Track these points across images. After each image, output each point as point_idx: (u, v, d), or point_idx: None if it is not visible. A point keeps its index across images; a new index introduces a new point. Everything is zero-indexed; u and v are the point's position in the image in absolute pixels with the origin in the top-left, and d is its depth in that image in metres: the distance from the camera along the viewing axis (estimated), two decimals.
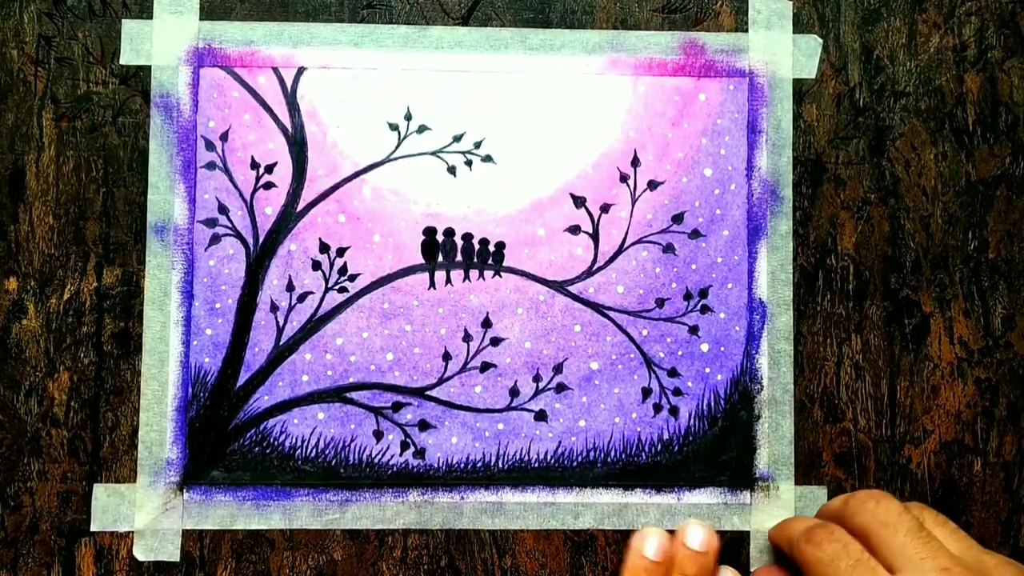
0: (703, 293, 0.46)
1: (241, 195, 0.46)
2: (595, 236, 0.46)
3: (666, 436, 0.46)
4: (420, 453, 0.45)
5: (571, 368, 0.46)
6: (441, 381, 0.45)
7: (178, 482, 0.45)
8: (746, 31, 0.47)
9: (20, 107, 0.45)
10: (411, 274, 0.46)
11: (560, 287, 0.46)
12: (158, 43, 0.46)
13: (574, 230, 0.46)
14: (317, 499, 0.45)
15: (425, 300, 0.46)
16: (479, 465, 0.45)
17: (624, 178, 0.46)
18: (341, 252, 0.46)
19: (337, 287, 0.46)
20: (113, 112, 0.45)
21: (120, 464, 0.45)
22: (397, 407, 0.45)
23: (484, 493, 0.45)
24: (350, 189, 0.46)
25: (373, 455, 0.45)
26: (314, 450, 0.45)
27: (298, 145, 0.46)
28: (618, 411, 0.46)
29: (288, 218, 0.46)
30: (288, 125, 0.46)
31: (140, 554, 0.44)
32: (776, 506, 0.45)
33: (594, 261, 0.46)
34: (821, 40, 0.47)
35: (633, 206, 0.46)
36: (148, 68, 0.46)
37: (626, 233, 0.46)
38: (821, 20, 0.47)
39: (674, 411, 0.46)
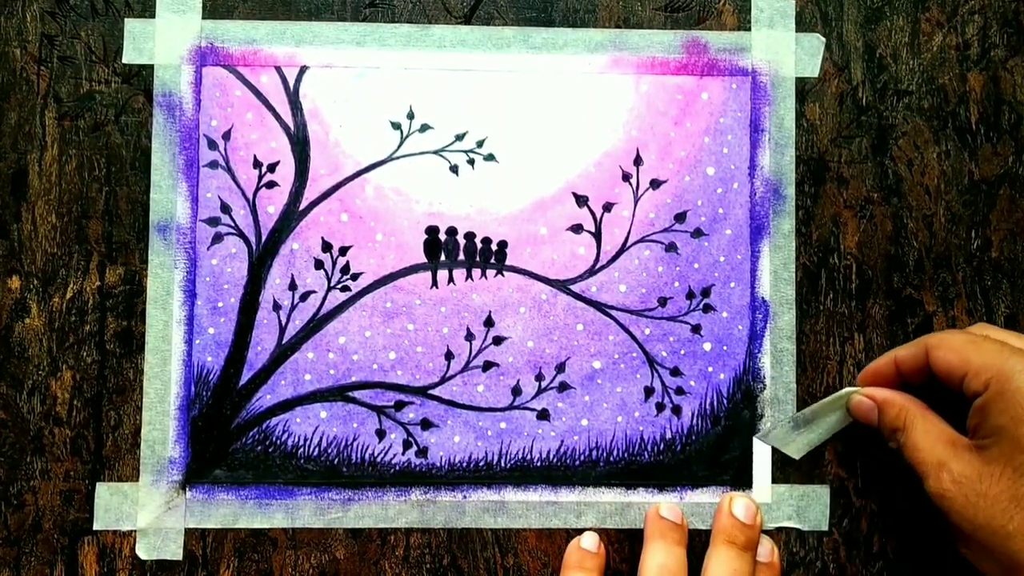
0: (705, 292, 0.46)
1: (243, 194, 0.46)
2: (597, 235, 0.46)
3: (668, 435, 0.46)
4: (422, 452, 0.45)
5: (573, 367, 0.46)
6: (443, 380, 0.45)
7: (180, 481, 0.45)
8: (749, 30, 0.47)
9: (23, 106, 0.45)
10: (413, 273, 0.46)
11: (562, 286, 0.46)
12: (160, 42, 0.46)
13: (576, 229, 0.46)
14: (319, 498, 0.45)
15: (427, 299, 0.46)
16: (481, 464, 0.45)
17: (626, 177, 0.46)
18: (343, 251, 0.46)
19: (339, 286, 0.46)
20: (116, 111, 0.45)
21: (123, 463, 0.45)
22: (400, 406, 0.45)
23: (486, 492, 0.45)
24: (352, 188, 0.46)
25: (375, 454, 0.45)
26: (316, 449, 0.45)
27: (300, 144, 0.46)
28: (620, 410, 0.46)
29: (290, 217, 0.46)
30: (290, 124, 0.46)
31: (143, 553, 0.44)
32: (778, 505, 0.45)
33: (596, 260, 0.46)
34: (824, 39, 0.47)
35: (635, 205, 0.46)
36: (151, 67, 0.46)
37: (628, 232, 0.46)
38: (824, 19, 0.47)
39: (677, 410, 0.46)
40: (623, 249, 0.46)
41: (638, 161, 0.46)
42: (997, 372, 0.37)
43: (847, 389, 0.43)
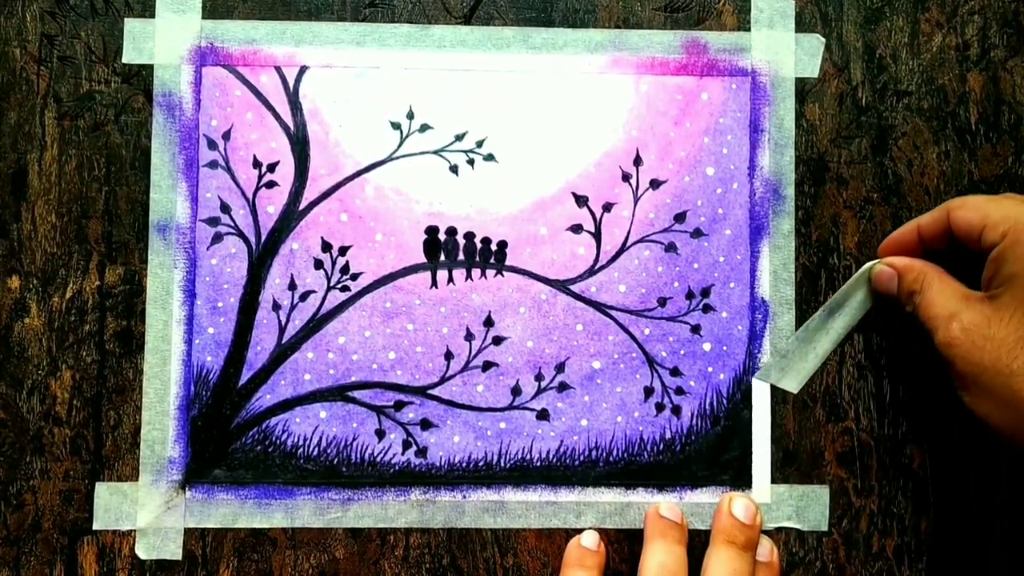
0: (705, 292, 0.46)
1: (243, 194, 0.46)
2: (597, 235, 0.46)
3: (668, 435, 0.46)
4: (422, 452, 0.45)
5: (573, 367, 0.46)
6: (443, 380, 0.45)
7: (180, 481, 0.45)
8: (748, 30, 0.47)
9: (23, 106, 0.45)
10: (413, 273, 0.46)
11: (562, 286, 0.46)
12: (160, 42, 0.46)
13: (576, 229, 0.46)
14: (319, 498, 0.45)
15: (427, 299, 0.46)
16: (481, 464, 0.45)
17: (626, 177, 0.46)
18: (343, 251, 0.46)
19: (339, 286, 0.46)
20: (115, 111, 0.45)
21: (122, 462, 0.45)
22: (399, 406, 0.45)
23: (486, 492, 0.45)
24: (352, 188, 0.46)
25: (375, 454, 0.45)
26: (316, 449, 0.45)
27: (300, 144, 0.46)
28: (620, 410, 0.46)
29: (290, 217, 0.46)
30: (290, 124, 0.46)
31: (142, 552, 0.44)
32: (778, 506, 0.45)
33: (596, 260, 0.46)
34: (823, 39, 0.47)
35: (635, 205, 0.46)
36: (150, 67, 0.46)
37: (628, 232, 0.46)
38: (823, 19, 0.47)
39: (676, 410, 0.46)
40: (623, 249, 0.46)
41: (638, 161, 0.46)
42: (1014, 222, 0.38)
43: (869, 263, 0.44)
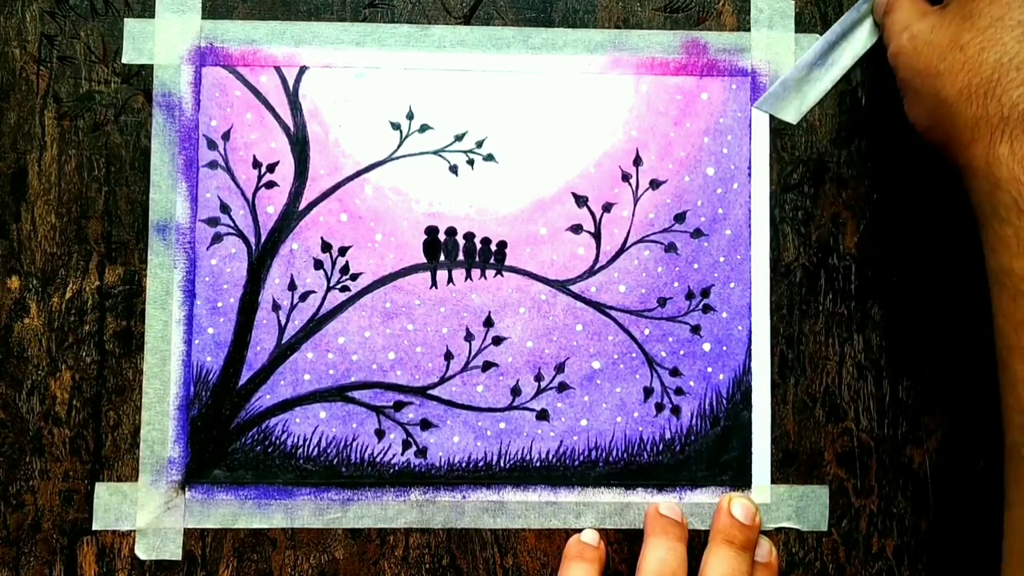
0: (705, 292, 0.46)
1: (243, 194, 0.46)
2: (597, 235, 0.46)
3: (668, 436, 0.46)
4: (422, 452, 0.45)
5: (573, 367, 0.46)
6: (443, 380, 0.45)
7: (180, 481, 0.45)
8: (748, 30, 0.47)
9: (22, 106, 0.45)
10: (413, 273, 0.46)
11: (562, 286, 0.46)
12: (160, 42, 0.46)
13: (576, 229, 0.46)
14: (319, 498, 0.45)
15: (427, 299, 0.46)
16: (481, 464, 0.45)
17: (626, 177, 0.46)
18: (343, 251, 0.46)
19: (339, 286, 0.46)
20: (115, 111, 0.45)
21: (122, 463, 0.45)
22: (399, 406, 0.45)
23: (486, 492, 0.45)
24: (352, 188, 0.46)
25: (375, 454, 0.45)
26: (316, 449, 0.45)
27: (300, 144, 0.46)
28: (620, 410, 0.46)
29: (290, 217, 0.46)
30: (290, 124, 0.46)
31: (142, 553, 0.44)
32: (777, 506, 0.45)
33: (596, 260, 0.46)
34: None
35: (635, 205, 0.46)
36: (150, 67, 0.46)
37: (628, 232, 0.46)
38: (823, 19, 0.47)
39: (676, 411, 0.46)
40: (623, 249, 0.46)
41: (638, 161, 0.46)
42: None
43: None
